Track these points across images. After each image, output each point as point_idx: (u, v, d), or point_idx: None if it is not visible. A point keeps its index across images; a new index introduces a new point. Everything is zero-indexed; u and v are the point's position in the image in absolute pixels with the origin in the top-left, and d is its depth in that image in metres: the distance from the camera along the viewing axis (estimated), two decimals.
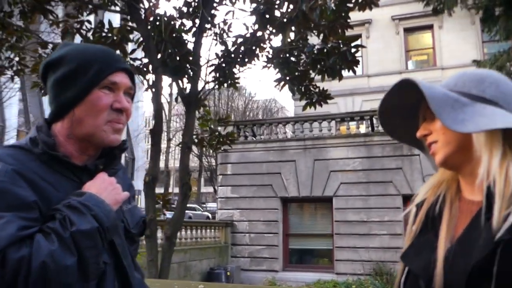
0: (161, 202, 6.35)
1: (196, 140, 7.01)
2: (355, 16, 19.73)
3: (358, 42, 18.28)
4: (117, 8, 6.30)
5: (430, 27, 19.35)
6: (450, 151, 1.06)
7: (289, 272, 14.17)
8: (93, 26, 6.01)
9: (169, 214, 9.87)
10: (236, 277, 14.23)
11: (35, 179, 1.19)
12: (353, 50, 6.27)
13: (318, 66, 6.45)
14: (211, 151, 17.98)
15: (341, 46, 5.75)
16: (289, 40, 6.33)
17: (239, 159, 15.53)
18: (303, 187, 14.33)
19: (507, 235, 0.88)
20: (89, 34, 5.87)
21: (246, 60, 6.53)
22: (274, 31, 6.07)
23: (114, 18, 7.07)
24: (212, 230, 15.01)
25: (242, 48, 6.42)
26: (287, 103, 77.54)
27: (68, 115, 1.31)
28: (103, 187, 1.27)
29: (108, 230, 1.19)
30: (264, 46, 6.58)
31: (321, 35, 6.25)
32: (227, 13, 6.38)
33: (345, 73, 6.73)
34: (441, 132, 1.07)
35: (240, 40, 6.47)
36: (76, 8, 6.43)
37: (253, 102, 37.44)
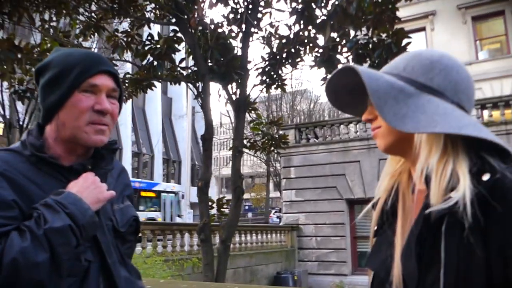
0: (215, 207, 6.46)
1: (248, 144, 7.06)
2: (417, 9, 18.91)
3: (420, 35, 17.51)
4: (165, 21, 6.53)
5: (501, 13, 18.08)
6: (392, 139, 1.02)
7: (358, 276, 13.81)
8: (143, 39, 6.28)
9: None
10: (304, 281, 14.10)
11: (19, 180, 1.25)
12: (404, 42, 6.01)
13: (368, 61, 6.25)
14: (278, 156, 18.06)
15: (386, 39, 5.52)
16: (335, 36, 6.20)
17: (302, 162, 15.42)
18: (369, 188, 13.93)
19: (441, 211, 0.86)
20: (139, 47, 6.13)
21: (290, 61, 6.48)
22: (314, 29, 5.96)
23: (167, 30, 7.29)
24: (278, 234, 15.00)
25: (286, 49, 6.38)
26: None
27: (54, 118, 1.36)
28: (84, 186, 1.30)
29: (84, 228, 1.22)
30: (311, 46, 6.50)
31: (370, 29, 6.07)
32: (263, 14, 6.38)
33: None
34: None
35: (284, 41, 6.44)
36: (130, 24, 6.78)
37: (318, 105, 36.97)
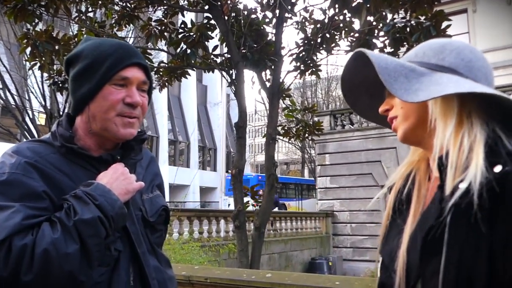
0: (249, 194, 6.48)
1: (282, 131, 7.01)
2: None
3: (462, 16, 16.83)
4: (198, 8, 6.52)
5: None
6: (410, 125, 1.01)
7: None
8: (176, 27, 6.30)
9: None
10: (338, 267, 14.06)
11: (50, 171, 1.26)
12: (444, 25, 5.78)
13: (405, 45, 6.05)
14: (313, 143, 17.96)
15: (425, 22, 5.31)
16: (371, 20, 6.02)
17: (337, 149, 15.25)
18: None
19: (457, 201, 0.83)
20: (173, 35, 6.15)
21: (325, 46, 6.36)
22: (350, 13, 5.80)
23: (201, 18, 7.28)
24: (313, 221, 14.98)
25: (321, 34, 6.25)
26: None
27: (85, 110, 1.36)
28: (114, 177, 1.31)
29: (113, 219, 1.22)
30: (346, 30, 6.35)
31: (407, 12, 5.87)
32: None
33: None
34: (399, 106, 1.02)
35: (318, 26, 6.31)
36: (164, 12, 6.81)
37: None
